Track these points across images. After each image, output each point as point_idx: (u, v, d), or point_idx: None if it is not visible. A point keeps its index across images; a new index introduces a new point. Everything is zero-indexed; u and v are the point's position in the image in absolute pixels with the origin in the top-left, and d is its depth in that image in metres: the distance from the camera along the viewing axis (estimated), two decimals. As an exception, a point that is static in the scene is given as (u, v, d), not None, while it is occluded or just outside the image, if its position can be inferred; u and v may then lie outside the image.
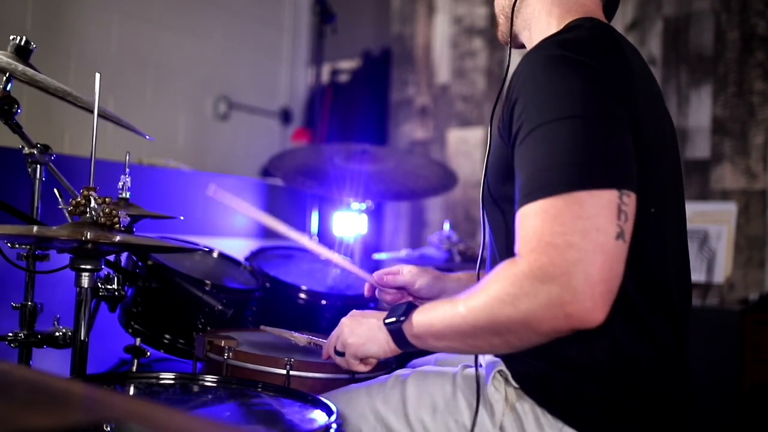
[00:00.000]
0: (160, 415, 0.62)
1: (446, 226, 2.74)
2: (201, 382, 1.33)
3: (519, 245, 1.03)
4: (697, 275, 2.90)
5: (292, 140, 4.48)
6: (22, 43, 1.60)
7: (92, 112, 1.43)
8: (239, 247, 2.80)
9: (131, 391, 1.27)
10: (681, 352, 1.19)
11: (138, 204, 1.61)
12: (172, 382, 1.32)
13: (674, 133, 1.27)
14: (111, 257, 1.64)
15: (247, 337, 1.66)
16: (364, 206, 2.79)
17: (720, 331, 2.59)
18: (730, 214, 2.98)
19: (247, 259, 2.33)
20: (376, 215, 4.08)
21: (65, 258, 1.45)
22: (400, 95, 4.31)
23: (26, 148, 1.59)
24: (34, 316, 1.57)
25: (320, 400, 1.21)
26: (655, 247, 1.14)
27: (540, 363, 1.16)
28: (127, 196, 1.58)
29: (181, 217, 1.85)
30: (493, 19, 1.42)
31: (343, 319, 1.28)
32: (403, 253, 2.91)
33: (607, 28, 1.20)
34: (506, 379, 1.20)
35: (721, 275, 2.92)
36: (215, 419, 1.09)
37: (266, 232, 3.30)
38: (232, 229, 3.18)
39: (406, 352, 1.23)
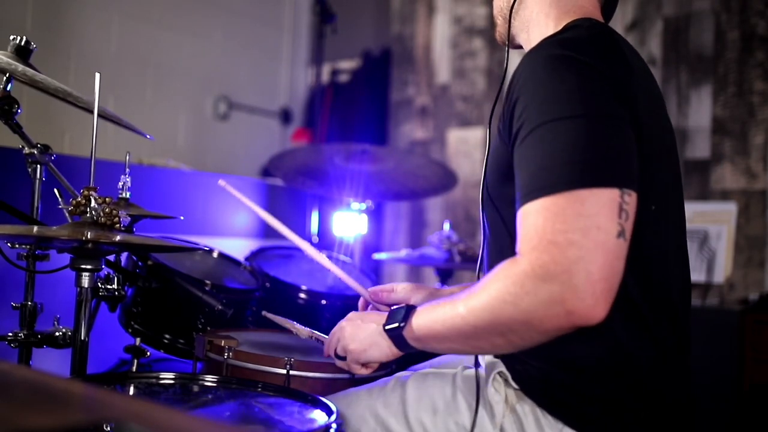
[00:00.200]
0: (160, 415, 0.62)
1: (446, 226, 2.74)
2: (201, 382, 1.33)
3: (520, 243, 1.03)
4: (697, 275, 2.90)
5: (292, 140, 4.48)
6: (22, 43, 1.60)
7: (92, 112, 1.43)
8: (239, 247, 2.80)
9: (131, 391, 1.27)
10: (681, 352, 1.19)
11: (138, 204, 1.61)
12: (172, 382, 1.32)
13: (673, 134, 1.28)
14: (111, 257, 1.64)
15: (247, 337, 1.66)
16: (364, 206, 2.79)
17: (720, 331, 2.59)
18: (730, 214, 2.98)
19: (247, 259, 2.33)
20: (376, 215, 4.08)
21: (65, 258, 1.45)
22: (400, 95, 4.31)
23: (26, 148, 1.59)
24: (34, 316, 1.57)
25: (320, 400, 1.21)
26: (656, 245, 1.14)
27: (540, 363, 1.16)
28: (127, 196, 1.58)
29: (181, 217, 1.85)
30: (492, 19, 1.42)
31: (342, 322, 1.28)
32: (403, 253, 2.91)
33: (605, 28, 1.20)
34: (506, 381, 1.20)
35: (721, 275, 2.92)
36: (215, 419, 1.09)
37: (266, 232, 3.30)
38: (232, 229, 3.18)
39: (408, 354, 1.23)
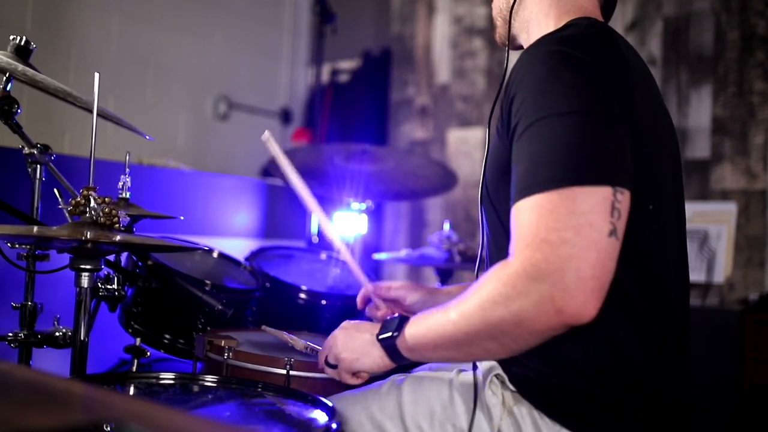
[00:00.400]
0: (160, 415, 0.62)
1: (446, 226, 2.74)
2: (201, 382, 1.33)
3: (514, 241, 1.03)
4: (697, 275, 2.89)
5: (292, 140, 4.48)
6: (22, 43, 1.60)
7: (92, 112, 1.43)
8: (239, 247, 2.80)
9: (131, 391, 1.27)
10: (681, 352, 1.19)
11: (138, 204, 1.61)
12: (172, 382, 1.32)
13: (673, 132, 1.27)
14: (111, 257, 1.64)
15: (247, 337, 1.66)
16: (364, 206, 2.79)
17: (720, 331, 2.59)
18: (730, 214, 2.98)
19: (247, 259, 2.33)
20: (376, 215, 4.08)
21: (65, 258, 1.45)
22: (400, 95, 4.31)
23: (26, 148, 1.59)
24: (34, 316, 1.57)
25: (320, 400, 1.21)
26: (654, 244, 1.14)
27: (537, 365, 1.16)
28: (127, 196, 1.58)
29: (181, 217, 1.85)
30: (492, 19, 1.42)
31: (336, 332, 1.27)
32: (403, 253, 2.91)
33: (603, 27, 1.20)
34: (503, 383, 1.20)
35: (721, 275, 2.92)
36: (215, 419, 1.09)
37: (266, 232, 3.30)
38: (232, 229, 3.18)
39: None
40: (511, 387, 1.19)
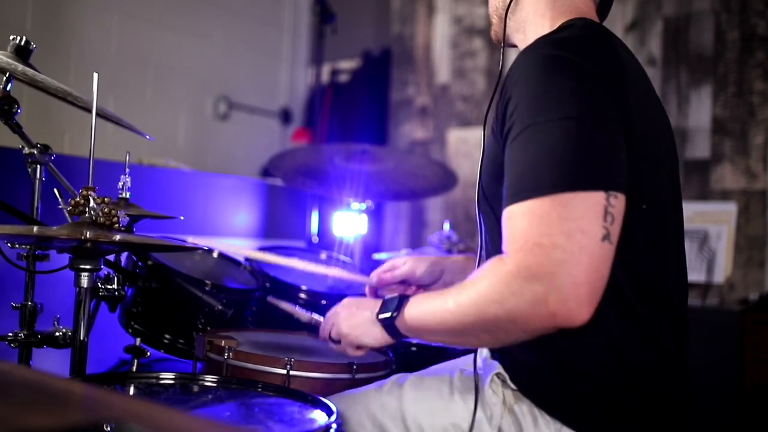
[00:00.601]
0: (160, 415, 0.62)
1: (446, 226, 2.74)
2: (201, 382, 1.33)
3: (506, 244, 1.04)
4: (697, 275, 2.90)
5: (292, 140, 4.48)
6: (22, 43, 1.60)
7: (92, 112, 1.43)
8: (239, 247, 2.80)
9: (131, 391, 1.27)
10: (681, 352, 1.19)
11: (138, 204, 1.61)
12: (172, 382, 1.32)
13: (670, 131, 1.27)
14: (111, 257, 1.64)
15: (247, 337, 1.66)
16: (364, 206, 2.79)
17: (720, 331, 2.59)
18: (730, 214, 2.98)
19: (247, 259, 2.32)
20: (376, 215, 4.08)
21: (65, 258, 1.45)
22: (400, 95, 4.31)
23: (26, 148, 1.59)
24: (34, 316, 1.57)
25: (320, 400, 1.21)
26: (651, 245, 1.14)
27: (538, 364, 1.16)
28: (127, 196, 1.58)
29: (181, 217, 1.85)
30: (489, 16, 1.42)
31: (337, 307, 1.32)
32: (403, 253, 2.91)
33: (600, 28, 1.20)
34: (504, 381, 1.20)
35: (721, 275, 2.92)
36: (215, 419, 1.09)
37: (266, 232, 3.30)
38: (232, 229, 3.18)
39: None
40: (512, 386, 1.19)
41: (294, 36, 4.73)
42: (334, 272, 1.55)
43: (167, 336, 1.92)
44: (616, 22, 3.45)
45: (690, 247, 2.99)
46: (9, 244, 1.57)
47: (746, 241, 3.05)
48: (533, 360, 1.16)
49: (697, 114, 3.24)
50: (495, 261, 1.05)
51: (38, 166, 1.61)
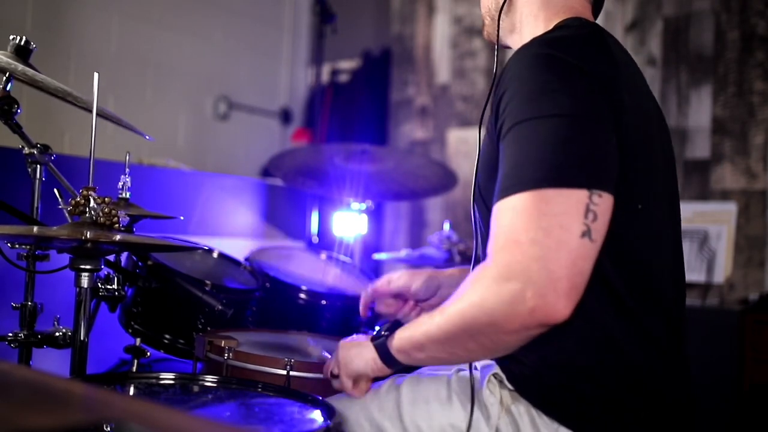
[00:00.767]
0: (160, 415, 0.62)
1: (446, 226, 2.74)
2: (201, 382, 1.33)
3: (490, 243, 1.05)
4: (697, 275, 2.90)
5: (292, 140, 4.48)
6: (22, 43, 1.60)
7: (92, 112, 1.43)
8: (239, 247, 2.80)
9: (131, 391, 1.27)
10: (678, 352, 1.19)
11: (138, 204, 1.61)
12: (172, 382, 1.32)
13: (665, 130, 1.27)
14: (111, 257, 1.64)
15: (247, 338, 1.66)
16: (364, 206, 2.79)
17: (720, 331, 2.59)
18: (730, 214, 2.98)
19: (247, 259, 2.33)
20: (376, 215, 4.08)
21: (65, 258, 1.45)
22: (400, 95, 4.31)
23: (26, 148, 1.59)
24: (34, 316, 1.57)
25: (320, 400, 1.21)
26: (646, 245, 1.14)
27: (535, 364, 1.16)
28: (127, 196, 1.58)
29: (181, 217, 1.85)
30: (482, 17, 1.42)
31: (342, 341, 1.33)
32: (403, 253, 2.91)
33: (594, 27, 1.20)
34: (501, 382, 1.20)
35: (721, 275, 2.92)
36: (215, 419, 1.09)
37: (266, 232, 3.30)
38: (232, 229, 3.18)
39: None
40: (509, 386, 1.19)
41: (294, 36, 4.73)
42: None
43: (167, 336, 1.92)
44: (616, 22, 3.45)
45: (690, 247, 3.00)
46: (9, 244, 1.57)
47: (746, 241, 3.05)
48: (531, 360, 1.16)
49: (697, 114, 3.24)
50: (478, 267, 1.06)
51: (38, 166, 1.61)
